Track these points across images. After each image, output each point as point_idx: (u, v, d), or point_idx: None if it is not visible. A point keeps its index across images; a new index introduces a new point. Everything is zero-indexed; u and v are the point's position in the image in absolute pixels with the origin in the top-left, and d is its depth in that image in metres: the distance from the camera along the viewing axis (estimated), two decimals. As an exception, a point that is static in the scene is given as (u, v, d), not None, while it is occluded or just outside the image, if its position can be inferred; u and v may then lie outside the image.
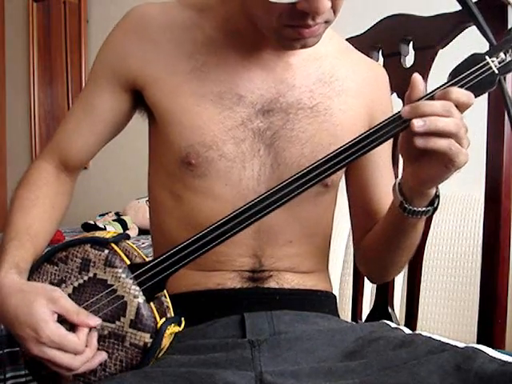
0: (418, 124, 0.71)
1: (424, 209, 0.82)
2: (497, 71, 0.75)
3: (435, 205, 0.83)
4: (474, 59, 0.75)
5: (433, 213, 0.84)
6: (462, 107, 0.73)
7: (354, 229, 1.02)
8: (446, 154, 0.73)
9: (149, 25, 0.88)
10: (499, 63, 0.75)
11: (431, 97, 0.74)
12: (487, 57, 0.75)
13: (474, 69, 0.75)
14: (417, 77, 0.76)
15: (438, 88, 0.75)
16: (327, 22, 0.77)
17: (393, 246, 0.91)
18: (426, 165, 0.76)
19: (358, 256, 1.03)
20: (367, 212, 0.97)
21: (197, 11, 0.89)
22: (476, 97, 0.75)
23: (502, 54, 0.75)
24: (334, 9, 0.75)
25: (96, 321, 0.75)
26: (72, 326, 0.74)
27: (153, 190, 0.95)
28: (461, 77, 0.75)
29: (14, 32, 3.47)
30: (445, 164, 0.74)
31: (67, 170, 0.95)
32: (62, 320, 0.74)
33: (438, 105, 0.72)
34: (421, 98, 0.74)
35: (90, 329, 0.75)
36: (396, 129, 0.75)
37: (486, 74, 0.74)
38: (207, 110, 0.85)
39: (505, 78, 0.76)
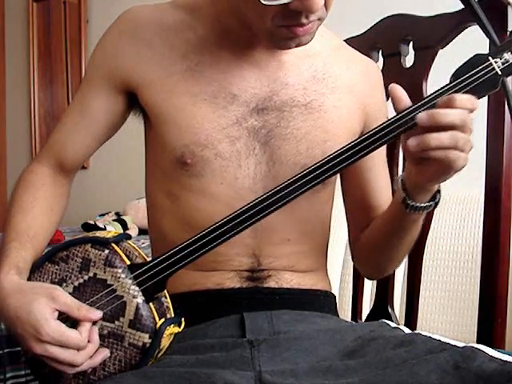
0: (411, 144, 0.74)
1: (426, 204, 0.82)
2: (500, 72, 0.74)
3: (437, 199, 0.83)
4: (477, 60, 0.74)
5: (434, 207, 0.84)
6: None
7: (349, 225, 1.02)
8: (443, 161, 0.74)
9: (141, 26, 0.89)
10: (502, 64, 0.74)
11: (433, 103, 0.74)
12: (490, 57, 0.74)
13: (476, 70, 0.74)
14: (393, 88, 0.77)
15: (439, 90, 0.75)
16: (320, 20, 0.77)
17: (392, 241, 0.91)
18: (427, 167, 0.77)
19: (354, 252, 1.03)
20: (364, 208, 0.97)
21: (188, 12, 0.89)
22: (479, 98, 0.75)
23: (505, 55, 0.74)
24: (326, 5, 0.75)
25: (97, 314, 0.75)
26: (74, 323, 0.74)
27: (149, 191, 0.95)
28: (463, 78, 0.74)
29: (14, 32, 3.47)
30: (442, 168, 0.75)
31: (63, 171, 0.95)
32: (63, 318, 0.74)
33: (457, 115, 0.72)
34: (423, 104, 0.74)
35: (92, 324, 0.75)
36: (400, 129, 0.75)
37: (489, 75, 0.74)
38: (201, 110, 0.85)
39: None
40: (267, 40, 0.80)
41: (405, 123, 0.75)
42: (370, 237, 0.96)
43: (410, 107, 0.76)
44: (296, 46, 0.79)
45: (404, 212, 0.83)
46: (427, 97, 0.75)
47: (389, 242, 0.92)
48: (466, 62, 0.75)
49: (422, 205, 0.82)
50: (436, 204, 0.84)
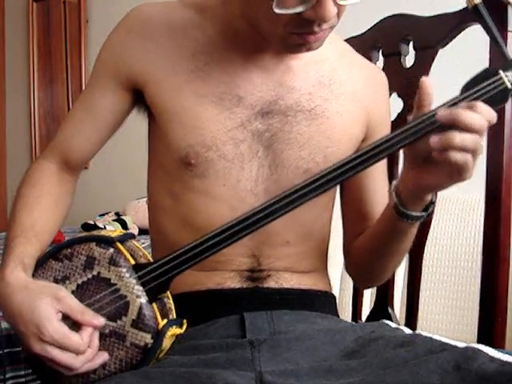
0: (433, 140, 0.72)
1: (418, 214, 0.82)
2: (510, 86, 0.74)
3: (429, 211, 0.83)
4: (487, 73, 0.75)
5: (425, 219, 0.84)
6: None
7: (345, 231, 1.01)
8: (461, 167, 0.73)
9: (150, 24, 0.89)
10: None
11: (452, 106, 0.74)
12: (501, 71, 0.74)
13: (486, 83, 0.74)
14: (426, 82, 0.76)
15: (448, 101, 0.75)
16: (332, 27, 0.78)
17: (382, 250, 0.91)
18: (430, 172, 0.77)
19: (347, 259, 1.02)
20: (360, 215, 0.97)
21: (198, 11, 0.89)
22: None
23: None
24: (338, 14, 0.75)
25: (100, 321, 0.75)
26: (75, 325, 0.74)
27: (152, 190, 0.95)
28: (473, 90, 0.74)
29: (14, 32, 3.48)
30: (451, 176, 0.75)
31: (69, 169, 0.95)
32: (65, 319, 0.74)
33: (477, 119, 0.72)
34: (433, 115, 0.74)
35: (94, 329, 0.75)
36: (411, 139, 0.75)
37: (499, 88, 0.74)
38: (207, 111, 0.85)
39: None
40: (278, 45, 0.80)
41: (415, 132, 0.75)
42: (362, 243, 0.96)
43: (421, 116, 0.75)
44: (306, 51, 0.80)
45: (394, 219, 0.83)
46: (436, 108, 0.75)
47: (379, 250, 0.92)
48: (476, 76, 0.75)
49: (413, 213, 0.81)
50: (428, 215, 0.83)
